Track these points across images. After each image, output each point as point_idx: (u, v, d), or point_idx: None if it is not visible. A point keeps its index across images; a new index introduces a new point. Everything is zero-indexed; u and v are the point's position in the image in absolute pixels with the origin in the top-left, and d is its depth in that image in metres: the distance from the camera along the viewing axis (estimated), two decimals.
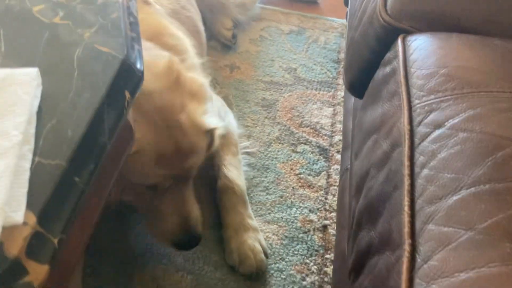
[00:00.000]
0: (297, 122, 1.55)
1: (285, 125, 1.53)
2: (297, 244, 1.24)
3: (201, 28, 1.50)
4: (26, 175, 0.40)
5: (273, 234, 1.25)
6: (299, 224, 1.28)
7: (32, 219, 0.39)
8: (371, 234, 0.60)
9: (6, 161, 0.39)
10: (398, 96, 0.68)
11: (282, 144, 1.48)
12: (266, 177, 1.38)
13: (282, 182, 1.38)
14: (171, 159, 0.93)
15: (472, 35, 0.76)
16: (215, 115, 1.07)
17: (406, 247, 0.51)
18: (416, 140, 0.61)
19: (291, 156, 1.45)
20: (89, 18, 0.61)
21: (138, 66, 0.59)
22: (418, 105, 0.64)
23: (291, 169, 1.41)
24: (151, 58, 0.90)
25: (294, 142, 1.49)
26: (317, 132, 1.52)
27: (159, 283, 1.12)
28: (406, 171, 0.58)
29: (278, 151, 1.46)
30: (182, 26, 1.28)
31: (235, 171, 1.25)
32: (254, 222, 1.21)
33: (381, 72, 0.78)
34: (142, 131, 0.87)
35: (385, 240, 0.55)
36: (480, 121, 0.58)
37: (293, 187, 1.37)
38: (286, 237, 1.25)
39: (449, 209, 0.52)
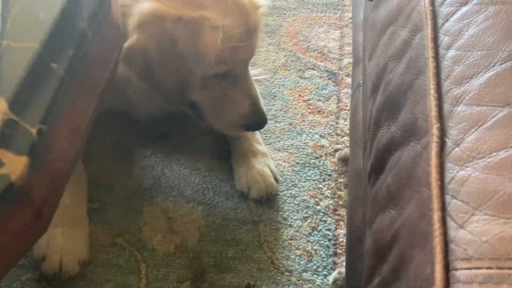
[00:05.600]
0: (303, 47, 1.47)
1: (290, 51, 1.45)
2: (309, 170, 1.19)
3: None
4: None
5: (284, 161, 1.20)
6: (310, 150, 1.23)
7: (3, 105, 0.33)
8: (392, 129, 0.54)
9: None
10: None
11: (289, 70, 1.41)
12: (273, 105, 1.32)
13: (291, 109, 1.32)
14: (243, 41, 0.99)
15: None
16: None
17: (435, 131, 0.45)
18: (440, 21, 0.54)
19: (298, 83, 1.38)
20: None
21: None
22: None
23: (299, 95, 1.35)
24: None
25: (301, 68, 1.41)
26: (324, 56, 1.44)
27: (169, 216, 1.09)
28: (430, 53, 0.51)
29: (285, 78, 1.39)
30: None
31: None
32: (262, 147, 1.16)
33: None
34: (218, 13, 0.94)
35: (409, 131, 0.50)
36: None
37: (302, 114, 1.31)
38: (297, 163, 1.20)
39: (481, 87, 0.46)
